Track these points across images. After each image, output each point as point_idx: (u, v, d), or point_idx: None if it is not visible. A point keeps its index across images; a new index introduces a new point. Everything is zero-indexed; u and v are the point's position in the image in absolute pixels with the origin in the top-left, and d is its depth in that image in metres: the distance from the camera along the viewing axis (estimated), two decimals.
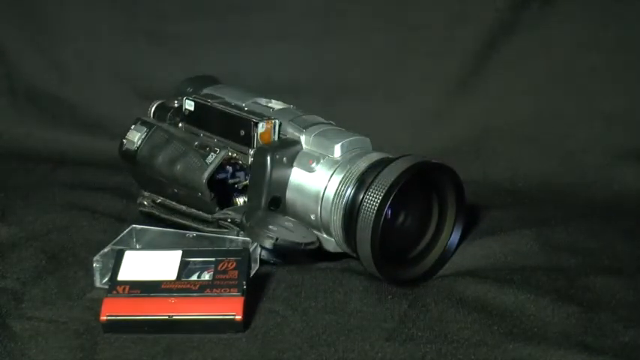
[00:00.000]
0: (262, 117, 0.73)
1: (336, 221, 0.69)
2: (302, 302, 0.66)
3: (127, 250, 0.66)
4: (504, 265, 0.73)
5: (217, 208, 0.72)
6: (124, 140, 0.76)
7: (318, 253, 0.72)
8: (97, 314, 0.63)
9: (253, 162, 0.72)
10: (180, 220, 0.74)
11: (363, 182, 0.68)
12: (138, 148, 0.75)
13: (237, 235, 0.70)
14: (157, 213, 0.76)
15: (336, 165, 0.71)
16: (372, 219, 0.66)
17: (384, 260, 0.67)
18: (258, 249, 0.70)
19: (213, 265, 0.64)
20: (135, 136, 0.75)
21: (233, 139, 0.73)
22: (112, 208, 0.82)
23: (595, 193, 0.90)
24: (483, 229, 0.79)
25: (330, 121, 0.75)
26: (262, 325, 0.63)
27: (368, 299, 0.67)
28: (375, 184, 0.67)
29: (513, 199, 0.89)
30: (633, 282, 0.70)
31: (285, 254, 0.70)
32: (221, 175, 0.73)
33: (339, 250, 0.72)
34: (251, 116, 0.73)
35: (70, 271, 0.70)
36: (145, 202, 0.77)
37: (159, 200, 0.76)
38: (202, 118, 0.74)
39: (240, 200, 0.74)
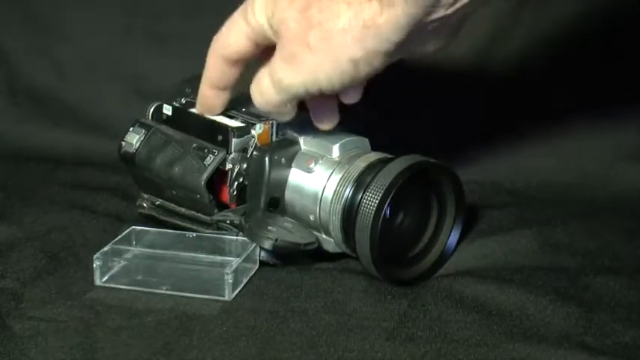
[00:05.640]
0: (260, 118, 0.73)
1: (335, 221, 0.69)
2: (302, 302, 0.66)
3: None
4: (504, 265, 0.73)
5: (216, 210, 0.72)
6: (123, 142, 0.76)
7: (317, 254, 0.72)
8: (97, 314, 0.63)
9: (251, 163, 0.72)
10: (180, 222, 0.74)
11: (361, 182, 0.68)
12: (136, 150, 0.75)
13: (237, 237, 0.70)
14: (156, 215, 0.76)
15: (334, 165, 0.71)
16: (371, 219, 0.66)
17: (383, 260, 0.67)
18: (258, 250, 0.70)
19: None
20: (133, 139, 0.75)
21: (212, 144, 0.73)
22: (112, 208, 0.82)
23: (595, 193, 0.90)
24: (483, 229, 0.79)
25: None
26: (262, 325, 0.63)
27: (368, 299, 0.67)
28: (373, 184, 0.67)
29: (513, 199, 0.89)
30: (633, 282, 0.70)
31: (285, 255, 0.70)
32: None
33: (338, 250, 0.72)
34: (249, 117, 0.73)
35: (70, 271, 0.70)
36: (145, 204, 0.77)
37: (158, 202, 0.76)
38: (180, 122, 0.74)
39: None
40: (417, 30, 0.60)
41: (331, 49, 0.61)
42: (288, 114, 0.68)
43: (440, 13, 0.60)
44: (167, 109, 0.76)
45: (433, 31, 0.62)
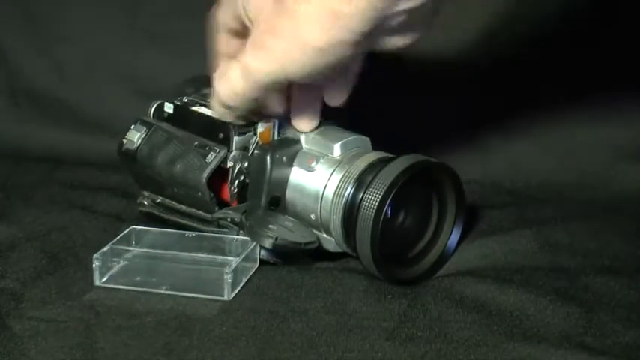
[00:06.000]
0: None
1: (336, 221, 0.69)
2: (302, 302, 0.66)
3: None
4: (504, 265, 0.73)
5: (217, 208, 0.72)
6: (124, 140, 0.76)
7: (317, 253, 0.72)
8: (97, 314, 0.63)
9: (252, 162, 0.72)
10: (180, 220, 0.74)
11: (362, 182, 0.68)
12: (138, 148, 0.75)
13: (237, 235, 0.70)
14: (156, 213, 0.76)
15: (335, 164, 0.71)
16: (372, 218, 0.66)
17: (384, 260, 0.67)
18: (258, 248, 0.70)
19: None
20: (135, 136, 0.75)
21: (213, 142, 0.73)
22: (112, 208, 0.82)
23: (595, 193, 0.90)
24: (483, 229, 0.79)
25: (330, 120, 0.75)
26: (262, 325, 0.63)
27: (368, 299, 0.67)
28: (374, 183, 0.67)
29: (513, 199, 0.89)
30: (633, 282, 0.70)
31: (285, 254, 0.70)
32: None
33: (338, 249, 0.72)
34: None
35: (70, 271, 0.70)
36: (145, 202, 0.77)
37: (159, 200, 0.76)
38: (181, 120, 0.74)
39: None
40: (384, 22, 0.61)
41: (298, 36, 0.62)
42: (248, 116, 0.69)
43: (405, 5, 0.60)
44: (168, 107, 0.76)
45: (401, 23, 0.62)
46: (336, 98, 0.70)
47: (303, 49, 0.62)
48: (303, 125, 0.72)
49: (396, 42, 0.65)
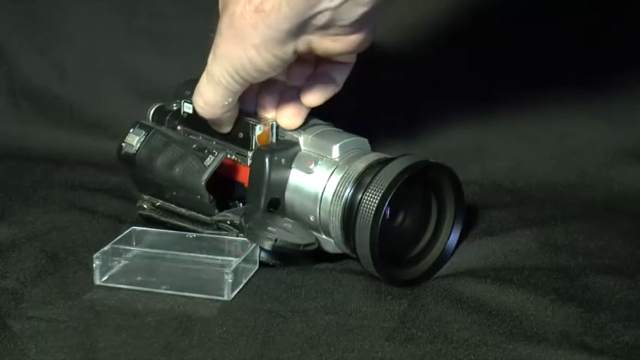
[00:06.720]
0: (260, 119, 0.73)
1: (335, 222, 0.69)
2: (302, 302, 0.66)
3: None
4: (504, 265, 0.73)
5: (216, 211, 0.72)
6: (123, 144, 0.75)
7: (317, 255, 0.72)
8: (97, 314, 0.63)
9: (252, 164, 0.72)
10: (180, 223, 0.74)
11: (361, 183, 0.68)
12: (137, 151, 0.74)
13: (237, 237, 0.70)
14: (156, 216, 0.76)
15: (334, 166, 0.71)
16: (371, 219, 0.66)
17: (383, 260, 0.67)
18: (257, 250, 0.70)
19: None
20: (133, 140, 0.75)
21: (232, 142, 0.73)
22: (112, 208, 0.82)
23: (595, 193, 0.90)
24: (483, 229, 0.79)
25: (329, 122, 0.75)
26: (262, 326, 0.63)
27: (367, 299, 0.67)
28: (373, 184, 0.67)
29: (513, 199, 0.89)
30: (633, 282, 0.70)
31: (285, 255, 0.70)
32: None
33: (338, 251, 0.72)
34: (249, 119, 0.73)
35: (70, 271, 0.70)
36: (145, 205, 0.77)
37: (158, 203, 0.76)
38: (201, 120, 0.74)
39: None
40: (308, 21, 0.63)
41: (235, 35, 0.65)
42: (229, 120, 0.71)
43: (323, 5, 0.62)
44: (187, 108, 0.76)
45: (328, 24, 0.64)
46: (311, 99, 0.72)
47: (243, 48, 0.65)
48: (287, 122, 0.73)
49: (329, 46, 0.66)
